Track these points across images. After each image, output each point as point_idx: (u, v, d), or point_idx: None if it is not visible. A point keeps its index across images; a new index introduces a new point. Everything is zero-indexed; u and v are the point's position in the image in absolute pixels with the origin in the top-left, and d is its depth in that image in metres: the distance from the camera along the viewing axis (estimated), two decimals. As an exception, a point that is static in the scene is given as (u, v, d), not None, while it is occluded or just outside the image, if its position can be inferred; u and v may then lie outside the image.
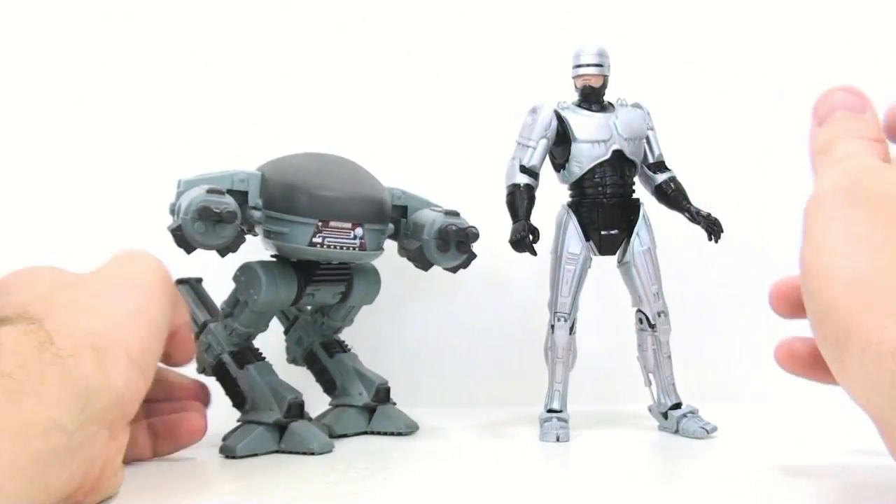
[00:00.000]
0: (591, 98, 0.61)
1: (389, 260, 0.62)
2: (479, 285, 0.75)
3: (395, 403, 0.63)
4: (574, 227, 0.61)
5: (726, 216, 0.61)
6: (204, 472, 0.52)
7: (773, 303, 0.45)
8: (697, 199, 0.62)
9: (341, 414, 0.62)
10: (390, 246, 0.62)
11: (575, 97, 0.62)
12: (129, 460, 0.50)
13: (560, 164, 0.61)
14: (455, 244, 0.60)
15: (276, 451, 0.56)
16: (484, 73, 0.77)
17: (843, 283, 0.35)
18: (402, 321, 0.77)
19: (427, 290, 0.76)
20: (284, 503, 0.44)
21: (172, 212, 0.54)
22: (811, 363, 0.44)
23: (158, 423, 0.53)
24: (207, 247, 0.52)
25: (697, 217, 0.61)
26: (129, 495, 0.44)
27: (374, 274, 0.63)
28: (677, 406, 0.61)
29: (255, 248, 0.59)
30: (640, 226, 0.61)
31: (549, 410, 0.60)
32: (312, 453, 0.55)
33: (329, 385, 0.64)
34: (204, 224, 0.51)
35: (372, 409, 0.62)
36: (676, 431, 0.60)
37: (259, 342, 0.60)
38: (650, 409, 0.63)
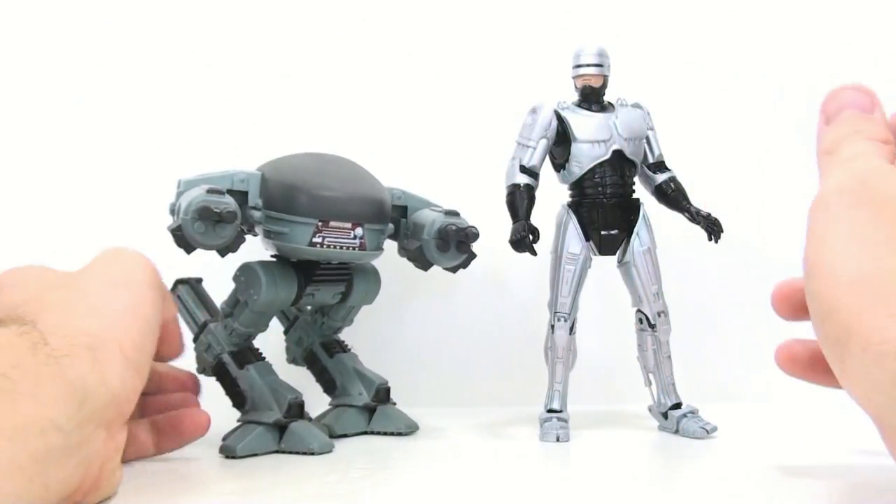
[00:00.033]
0: (591, 98, 0.61)
1: (389, 260, 0.62)
2: (479, 285, 0.75)
3: (395, 403, 0.63)
4: (574, 227, 0.61)
5: (726, 216, 0.61)
6: (204, 472, 0.52)
7: (775, 305, 0.45)
8: (697, 199, 0.62)
9: (341, 414, 0.62)
10: (390, 246, 0.62)
11: (575, 97, 0.62)
12: (131, 458, 0.51)
13: (560, 164, 0.61)
14: (455, 244, 0.60)
15: (276, 451, 0.56)
16: (484, 74, 0.77)
17: (845, 283, 0.35)
18: (402, 321, 0.77)
19: (427, 290, 0.76)
20: (284, 503, 0.44)
21: (172, 212, 0.54)
22: (811, 365, 0.44)
23: (161, 420, 0.53)
24: (207, 247, 0.52)
25: (697, 217, 0.61)
26: (129, 495, 0.44)
27: (374, 274, 0.63)
28: (677, 406, 0.61)
29: (255, 248, 0.59)
30: (640, 226, 0.61)
31: (549, 410, 0.60)
32: (312, 453, 0.55)
33: (329, 385, 0.64)
34: (204, 224, 0.51)
35: (372, 409, 0.62)
36: (676, 431, 0.60)
37: (259, 342, 0.60)
38: (650, 409, 0.63)
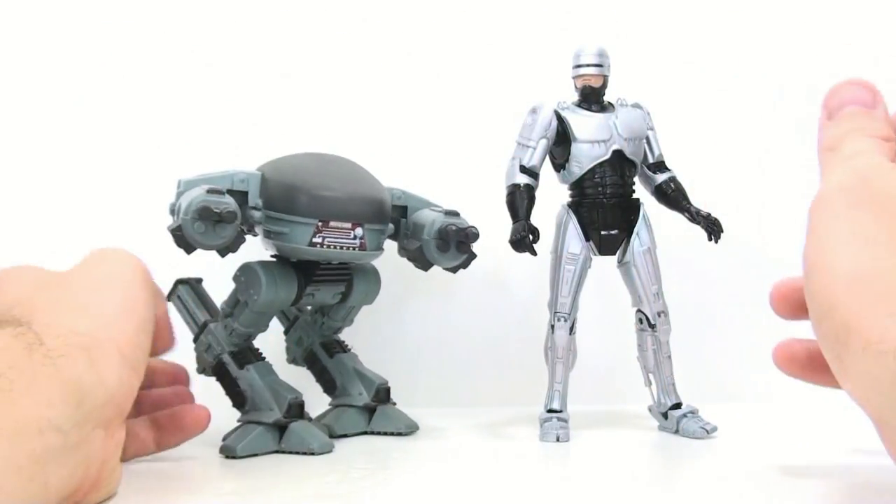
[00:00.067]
0: (591, 98, 0.61)
1: (389, 260, 0.62)
2: (479, 285, 0.75)
3: (395, 403, 0.63)
4: (574, 227, 0.61)
5: (726, 216, 0.61)
6: (204, 472, 0.52)
7: (773, 304, 0.45)
8: (697, 199, 0.62)
9: (341, 414, 0.62)
10: (390, 246, 0.62)
11: (575, 97, 0.62)
12: (132, 456, 0.51)
13: (560, 164, 0.61)
14: (455, 244, 0.60)
15: (276, 451, 0.56)
16: (484, 74, 0.77)
17: (845, 282, 0.35)
18: (402, 321, 0.77)
19: (427, 290, 0.76)
20: (284, 503, 0.44)
21: (172, 212, 0.54)
22: (809, 365, 0.44)
23: (161, 417, 0.53)
24: (207, 247, 0.52)
25: (697, 217, 0.61)
26: (129, 495, 0.44)
27: (374, 274, 0.63)
28: (677, 406, 0.61)
29: (255, 248, 0.59)
30: (640, 226, 0.61)
31: (549, 410, 0.60)
32: (312, 453, 0.55)
33: (329, 385, 0.64)
34: (204, 224, 0.51)
35: (372, 409, 0.62)
36: (676, 431, 0.60)
37: (259, 342, 0.60)
38: (650, 409, 0.63)
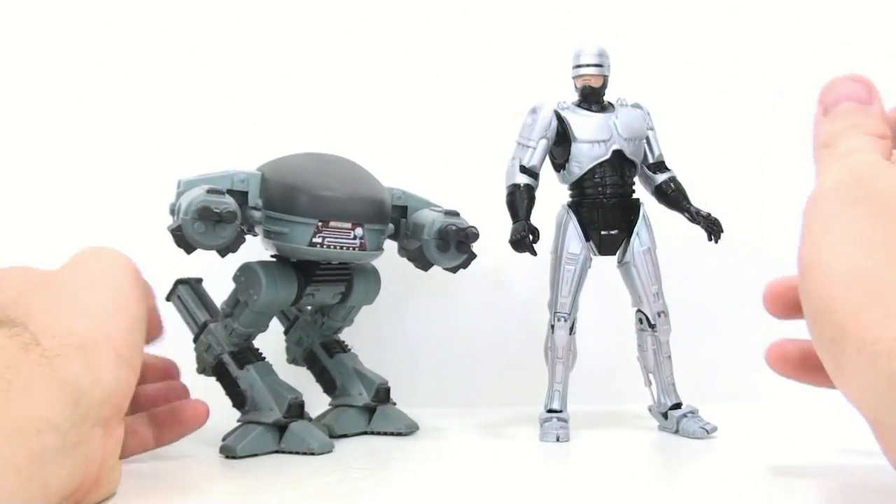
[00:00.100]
0: (591, 98, 0.61)
1: (389, 260, 0.62)
2: (479, 285, 0.75)
3: (395, 403, 0.63)
4: (574, 227, 0.61)
5: (726, 216, 0.61)
6: (204, 472, 0.52)
7: (767, 303, 0.45)
8: (697, 199, 0.62)
9: (341, 414, 0.62)
10: (390, 246, 0.62)
11: (575, 97, 0.62)
12: (132, 453, 0.51)
13: (560, 164, 0.61)
14: (455, 244, 0.60)
15: (276, 451, 0.56)
16: (484, 74, 0.77)
17: (840, 282, 0.35)
18: (402, 321, 0.77)
19: (427, 290, 0.76)
20: (284, 503, 0.44)
21: (172, 212, 0.54)
22: (802, 365, 0.44)
23: (160, 413, 0.53)
24: (207, 247, 0.52)
25: (697, 217, 0.61)
26: (129, 495, 0.44)
27: (374, 274, 0.63)
28: (677, 406, 0.61)
29: (255, 248, 0.59)
30: (640, 226, 0.61)
31: (549, 410, 0.60)
32: (312, 453, 0.55)
33: (329, 385, 0.64)
34: (204, 224, 0.51)
35: (372, 409, 0.62)
36: (676, 431, 0.60)
37: (259, 342, 0.60)
38: (650, 409, 0.63)
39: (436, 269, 0.61)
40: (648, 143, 0.63)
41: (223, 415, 0.57)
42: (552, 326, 0.61)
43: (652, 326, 0.61)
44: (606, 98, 0.62)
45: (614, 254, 0.62)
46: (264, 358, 0.59)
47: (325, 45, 0.78)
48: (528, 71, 0.76)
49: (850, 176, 0.38)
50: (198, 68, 0.78)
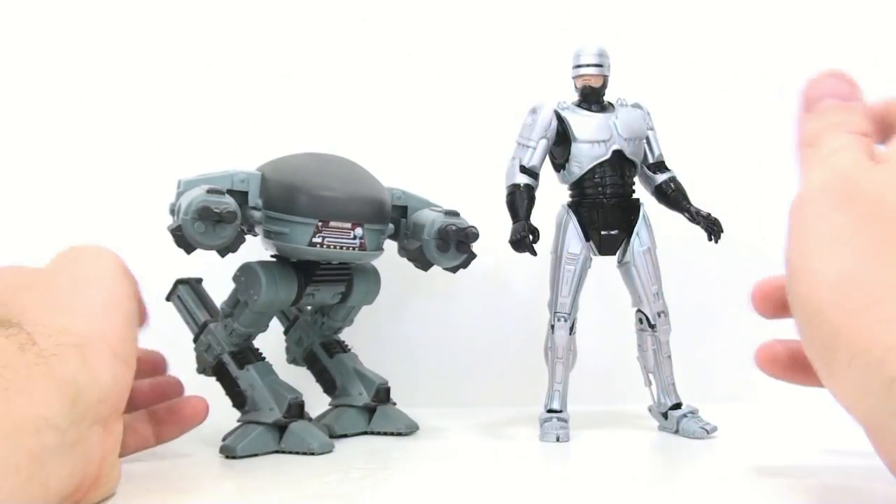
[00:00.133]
0: (591, 98, 0.61)
1: (389, 260, 0.62)
2: (479, 285, 0.75)
3: (395, 403, 0.63)
4: (574, 227, 0.61)
5: (726, 216, 0.61)
6: (204, 472, 0.52)
7: (755, 303, 0.45)
8: (697, 199, 0.62)
9: (341, 414, 0.62)
10: (390, 246, 0.62)
11: (575, 97, 0.62)
12: (132, 450, 0.51)
13: (560, 164, 0.61)
14: (455, 244, 0.60)
15: (276, 451, 0.56)
16: (484, 73, 0.77)
17: (829, 287, 0.34)
18: (402, 321, 0.77)
19: (427, 290, 0.76)
20: (284, 503, 0.44)
21: (172, 212, 0.54)
22: (791, 365, 0.43)
23: (159, 410, 0.53)
24: (207, 247, 0.52)
25: (697, 217, 0.61)
26: (129, 495, 0.44)
27: (374, 274, 0.63)
28: (677, 406, 0.61)
29: (255, 248, 0.59)
30: (640, 226, 0.61)
31: (549, 410, 0.60)
32: (312, 453, 0.55)
33: (329, 385, 0.64)
34: (204, 224, 0.51)
35: (372, 410, 0.62)
36: (676, 431, 0.60)
37: (259, 342, 0.60)
38: (650, 409, 0.63)
39: (436, 269, 0.61)
40: (648, 143, 0.63)
41: (223, 415, 0.57)
42: (552, 326, 0.61)
43: (652, 326, 0.61)
44: (606, 98, 0.62)
45: (614, 254, 0.62)
46: (264, 358, 0.59)
47: (325, 45, 0.78)
48: (528, 71, 0.76)
49: (835, 177, 0.37)
50: (198, 68, 0.78)
